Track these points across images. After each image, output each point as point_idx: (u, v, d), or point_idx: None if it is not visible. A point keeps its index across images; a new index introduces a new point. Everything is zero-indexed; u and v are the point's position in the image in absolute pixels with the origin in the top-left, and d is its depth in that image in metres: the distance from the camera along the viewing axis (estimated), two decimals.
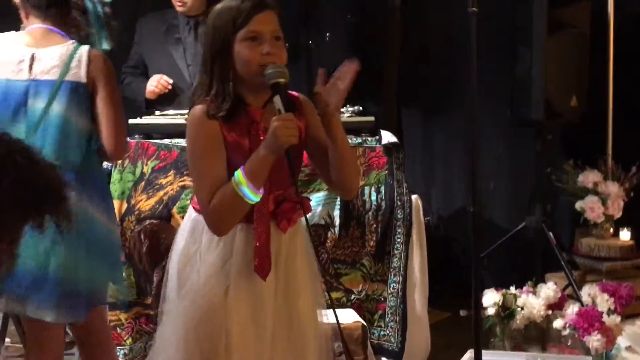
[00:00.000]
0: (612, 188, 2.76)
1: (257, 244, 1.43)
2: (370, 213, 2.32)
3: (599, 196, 2.76)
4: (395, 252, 2.34)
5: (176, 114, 2.39)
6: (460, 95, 3.34)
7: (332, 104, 1.39)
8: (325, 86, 1.40)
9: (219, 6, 1.45)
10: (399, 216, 2.34)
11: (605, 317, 2.25)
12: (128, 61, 2.81)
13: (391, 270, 2.35)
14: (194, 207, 1.52)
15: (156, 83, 2.65)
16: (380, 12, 3.57)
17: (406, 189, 2.36)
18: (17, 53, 1.74)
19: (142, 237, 2.20)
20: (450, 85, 3.36)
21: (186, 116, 2.37)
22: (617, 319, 2.30)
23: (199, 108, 1.43)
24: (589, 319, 2.21)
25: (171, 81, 2.63)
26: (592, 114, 2.89)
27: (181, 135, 2.30)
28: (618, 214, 2.77)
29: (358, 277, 2.33)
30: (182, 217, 2.24)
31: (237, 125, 1.42)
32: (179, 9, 2.72)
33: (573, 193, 2.84)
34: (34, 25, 1.77)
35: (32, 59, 1.73)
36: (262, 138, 1.41)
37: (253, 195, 1.37)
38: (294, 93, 1.48)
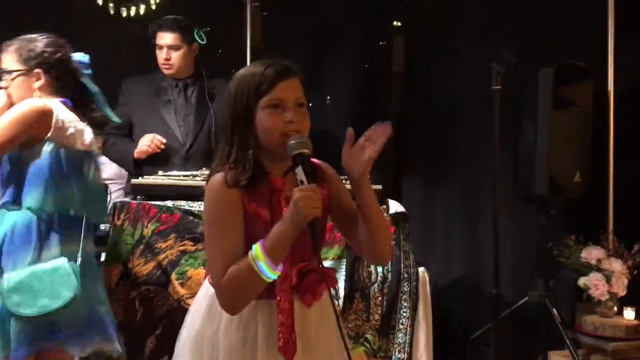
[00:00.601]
0: (616, 265, 2.72)
1: (281, 323, 1.34)
2: (375, 285, 2.25)
3: (603, 273, 2.73)
4: (401, 326, 2.26)
5: (181, 175, 2.33)
6: (460, 164, 3.36)
7: (355, 170, 1.34)
8: (352, 149, 1.34)
9: (241, 72, 1.41)
10: (405, 289, 2.27)
11: None
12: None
13: (395, 346, 2.26)
14: (210, 282, 1.42)
15: (149, 142, 2.61)
16: (383, 77, 3.63)
17: (413, 261, 2.30)
18: None
19: (137, 304, 2.10)
20: (451, 154, 3.37)
21: (191, 177, 2.37)
22: None
23: (218, 176, 1.37)
24: None
25: (164, 141, 2.60)
26: (594, 190, 2.90)
27: (184, 197, 2.26)
28: (622, 292, 2.72)
29: (361, 352, 2.23)
30: (181, 284, 2.16)
31: (257, 194, 1.36)
32: (165, 71, 2.75)
33: (575, 269, 2.81)
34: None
35: None
36: (284, 208, 1.34)
37: (270, 273, 1.29)
38: (315, 161, 1.42)
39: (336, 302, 1.47)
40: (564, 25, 3.06)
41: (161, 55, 2.73)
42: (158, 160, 2.63)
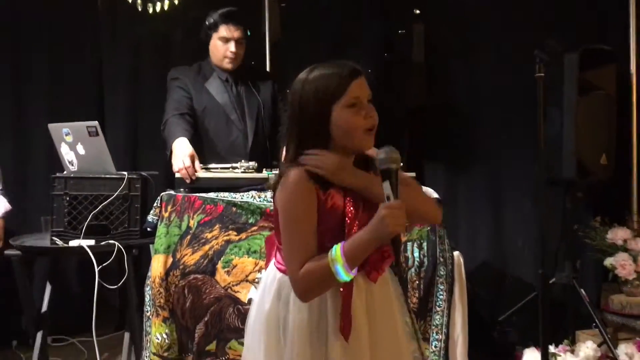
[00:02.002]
0: None
1: (343, 306, 1.42)
2: (412, 269, 2.31)
3: (629, 253, 2.79)
4: (438, 309, 2.32)
5: (224, 168, 2.39)
6: (483, 151, 3.41)
7: None
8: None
9: (308, 76, 1.45)
10: (441, 273, 2.33)
11: None
12: (171, 105, 2.68)
13: (433, 327, 2.32)
14: (278, 268, 1.50)
15: (182, 168, 2.36)
16: (404, 66, 3.66)
17: (448, 245, 2.35)
18: None
19: (186, 292, 2.17)
20: (473, 141, 3.42)
21: (230, 170, 2.43)
22: None
23: (297, 171, 1.42)
24: None
25: (198, 171, 2.39)
26: (619, 172, 2.95)
27: (227, 189, 2.32)
28: None
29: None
30: (227, 272, 2.23)
31: (332, 188, 1.43)
32: (228, 64, 2.71)
33: (602, 250, 2.86)
34: None
35: None
36: (359, 203, 1.41)
37: (346, 276, 1.37)
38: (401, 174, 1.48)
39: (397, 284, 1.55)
40: (586, 8, 3.09)
41: (227, 48, 2.68)
42: (222, 156, 2.61)
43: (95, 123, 2.30)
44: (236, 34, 2.69)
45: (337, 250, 1.36)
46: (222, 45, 2.70)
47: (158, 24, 3.50)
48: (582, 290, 2.83)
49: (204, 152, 2.56)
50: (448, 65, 3.50)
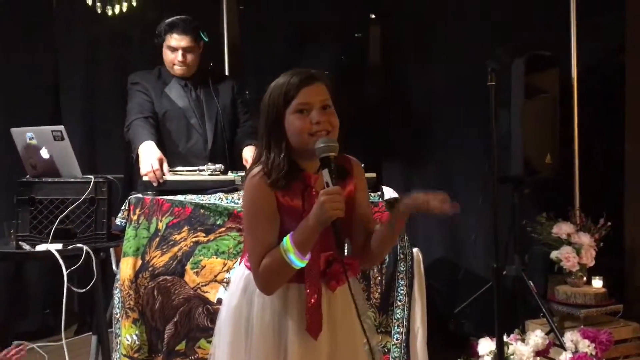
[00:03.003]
0: (584, 239, 2.97)
1: (309, 305, 1.50)
2: (374, 266, 2.41)
3: (573, 246, 2.97)
4: (399, 303, 2.44)
5: (191, 171, 2.43)
6: (437, 150, 3.55)
7: (409, 208, 1.48)
8: (422, 196, 1.47)
9: (273, 83, 1.54)
10: (401, 269, 2.44)
11: None
12: (132, 109, 2.71)
13: (394, 321, 2.44)
14: (246, 266, 1.58)
15: (151, 171, 2.40)
16: (361, 68, 3.77)
17: (407, 242, 2.47)
18: None
19: (155, 293, 2.20)
20: (428, 140, 3.56)
21: (197, 172, 2.47)
22: None
23: (256, 175, 1.50)
24: None
25: (166, 174, 2.43)
26: (561, 170, 3.14)
27: (195, 191, 2.36)
28: (591, 263, 2.97)
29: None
30: (196, 273, 2.28)
31: (291, 189, 1.51)
32: (178, 72, 2.75)
33: (547, 243, 3.04)
34: None
35: None
36: (315, 202, 1.49)
37: (299, 262, 1.46)
38: (348, 157, 1.58)
39: (358, 285, 1.62)
40: (531, 15, 3.27)
41: (175, 57, 2.73)
42: (182, 160, 2.64)
43: (61, 127, 2.30)
44: (183, 42, 2.72)
45: (287, 241, 1.46)
46: (171, 54, 2.75)
47: (115, 26, 3.48)
48: (530, 282, 3.00)
49: (166, 155, 2.58)
50: (404, 67, 3.63)
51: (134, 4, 3.40)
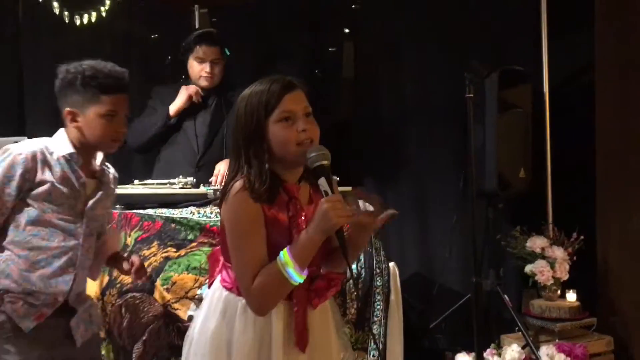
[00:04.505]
0: (558, 252, 2.99)
1: (297, 321, 1.45)
2: (351, 281, 2.37)
3: (547, 260, 2.98)
4: (375, 319, 2.39)
5: (159, 183, 2.35)
6: (411, 165, 3.55)
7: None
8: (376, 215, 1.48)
9: (247, 91, 1.47)
10: (378, 283, 2.40)
11: None
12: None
13: (371, 337, 2.39)
14: (224, 286, 1.49)
15: (186, 94, 2.69)
16: (335, 82, 3.76)
17: (384, 257, 2.44)
18: None
19: (123, 311, 2.11)
20: (401, 155, 3.55)
21: (168, 185, 2.39)
22: None
23: (240, 189, 1.42)
24: None
25: (201, 92, 2.72)
26: (535, 185, 3.16)
27: (166, 205, 2.29)
28: (565, 277, 2.99)
29: (341, 345, 2.34)
30: (166, 290, 2.19)
31: (275, 201, 1.45)
32: (204, 82, 2.79)
33: (522, 257, 3.05)
34: None
35: None
36: (303, 215, 1.43)
37: (298, 277, 1.39)
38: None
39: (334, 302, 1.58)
40: (502, 31, 3.31)
41: (203, 68, 2.77)
42: (172, 168, 2.64)
43: (24, 138, 2.21)
44: (211, 54, 2.77)
45: (285, 255, 1.38)
46: (198, 66, 2.79)
47: (83, 37, 3.40)
48: (506, 296, 2.99)
49: (161, 160, 2.67)
50: (378, 81, 3.63)
51: (103, 14, 3.32)
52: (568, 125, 3.24)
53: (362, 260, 2.39)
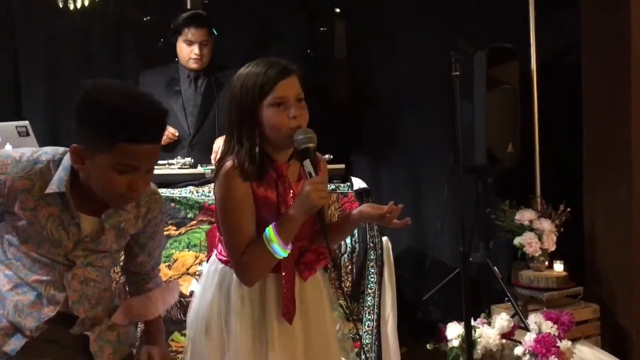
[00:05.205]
0: (546, 224, 3.08)
1: (284, 292, 1.53)
2: (345, 255, 2.46)
3: (535, 232, 3.08)
4: (369, 291, 2.49)
5: (160, 164, 2.42)
6: (404, 142, 3.62)
7: (366, 218, 1.61)
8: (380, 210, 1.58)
9: (243, 72, 1.52)
10: (371, 257, 2.49)
11: (559, 343, 2.50)
12: None
13: (365, 308, 2.48)
14: (220, 259, 1.58)
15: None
16: (327, 62, 3.81)
17: (377, 231, 2.52)
18: None
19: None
20: (394, 133, 3.62)
21: (166, 165, 2.46)
22: (568, 343, 2.56)
23: (229, 166, 1.50)
24: (546, 345, 2.45)
25: (177, 133, 2.67)
26: (523, 159, 3.24)
27: (165, 185, 2.36)
28: (552, 248, 3.09)
29: (336, 316, 2.43)
30: (168, 267, 2.28)
31: (264, 179, 1.52)
32: (194, 65, 2.80)
33: (511, 230, 3.14)
34: None
35: None
36: (291, 193, 1.51)
37: (283, 252, 1.48)
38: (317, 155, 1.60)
39: (326, 275, 1.67)
40: (491, 8, 3.36)
41: (192, 50, 2.78)
42: (165, 148, 2.67)
43: (26, 123, 2.27)
44: (200, 36, 2.78)
45: (270, 231, 1.47)
46: (187, 48, 2.79)
47: (77, 21, 3.43)
48: (495, 267, 3.10)
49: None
50: (370, 61, 3.68)
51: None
52: (555, 100, 3.32)
53: (356, 234, 2.48)
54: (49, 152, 1.48)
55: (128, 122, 1.33)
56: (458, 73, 1.97)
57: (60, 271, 1.50)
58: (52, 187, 1.42)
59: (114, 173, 1.35)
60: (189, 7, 3.76)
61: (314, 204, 1.45)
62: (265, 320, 1.54)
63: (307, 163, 1.48)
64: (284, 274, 1.53)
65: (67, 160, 1.44)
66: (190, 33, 2.77)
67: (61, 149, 1.49)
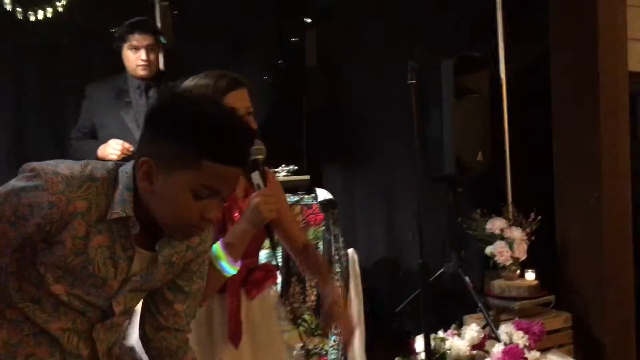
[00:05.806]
0: (517, 233, 3.06)
1: (230, 313, 1.48)
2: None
3: (506, 241, 3.06)
4: None
5: None
6: (378, 152, 3.60)
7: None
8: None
9: (190, 83, 1.48)
10: (337, 270, 2.45)
11: (527, 353, 2.47)
12: (78, 125, 2.86)
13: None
14: None
15: (119, 150, 2.61)
16: (298, 72, 3.78)
17: (342, 243, 2.49)
18: None
19: None
20: (366, 143, 3.60)
21: None
22: (537, 354, 2.54)
23: None
24: (514, 356, 2.42)
25: (132, 148, 2.61)
26: (493, 168, 3.23)
27: None
28: (523, 257, 3.07)
29: (299, 333, 2.39)
30: None
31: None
32: (141, 72, 2.75)
33: (483, 239, 3.12)
34: None
35: None
36: (237, 210, 1.47)
37: (231, 269, 1.42)
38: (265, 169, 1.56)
39: (275, 290, 1.63)
40: (460, 19, 3.36)
41: (139, 56, 2.72)
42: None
43: None
44: (145, 41, 2.74)
45: (217, 248, 1.41)
46: (133, 54, 2.75)
47: (41, 33, 3.37)
48: (467, 277, 3.07)
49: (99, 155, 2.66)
50: (341, 71, 3.67)
51: (60, 9, 3.29)
52: (526, 108, 3.31)
53: (321, 248, 2.44)
54: (99, 167, 1.17)
55: (223, 138, 1.10)
56: (414, 82, 1.93)
57: (90, 319, 1.20)
58: (116, 211, 1.13)
59: (189, 196, 1.11)
60: (157, 17, 3.74)
61: (263, 216, 1.41)
62: (212, 343, 1.49)
63: (255, 175, 1.44)
64: (228, 293, 1.48)
65: (125, 178, 1.16)
66: (134, 39, 2.73)
67: (109, 164, 1.19)
